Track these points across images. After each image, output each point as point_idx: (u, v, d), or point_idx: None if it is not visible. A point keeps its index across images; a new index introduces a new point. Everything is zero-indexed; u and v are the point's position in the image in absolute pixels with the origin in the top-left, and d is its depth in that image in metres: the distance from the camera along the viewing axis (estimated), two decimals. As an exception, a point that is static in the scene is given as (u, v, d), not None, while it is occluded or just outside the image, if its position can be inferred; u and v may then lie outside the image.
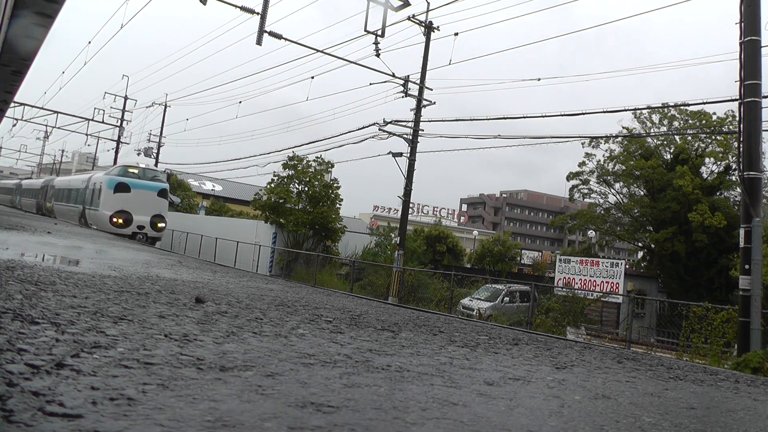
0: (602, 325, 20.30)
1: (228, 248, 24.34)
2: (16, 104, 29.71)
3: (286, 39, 15.55)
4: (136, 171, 22.88)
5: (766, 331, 9.68)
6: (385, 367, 2.65)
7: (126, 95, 37.38)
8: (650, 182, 30.18)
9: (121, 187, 21.72)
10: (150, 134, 41.81)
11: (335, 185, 26.89)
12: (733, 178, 27.64)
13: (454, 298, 20.00)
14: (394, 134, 20.22)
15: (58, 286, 3.89)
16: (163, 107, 36.51)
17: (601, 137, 29.05)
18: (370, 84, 19.47)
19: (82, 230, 18.00)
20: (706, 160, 30.04)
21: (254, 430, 1.50)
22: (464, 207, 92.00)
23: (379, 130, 20.21)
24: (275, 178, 26.39)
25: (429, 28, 19.38)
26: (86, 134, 36.18)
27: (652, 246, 29.94)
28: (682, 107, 27.65)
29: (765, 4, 9.02)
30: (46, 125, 37.13)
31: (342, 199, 26.96)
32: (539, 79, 22.53)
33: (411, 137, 19.78)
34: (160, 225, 22.64)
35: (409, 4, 15.12)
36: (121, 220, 21.38)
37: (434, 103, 20.20)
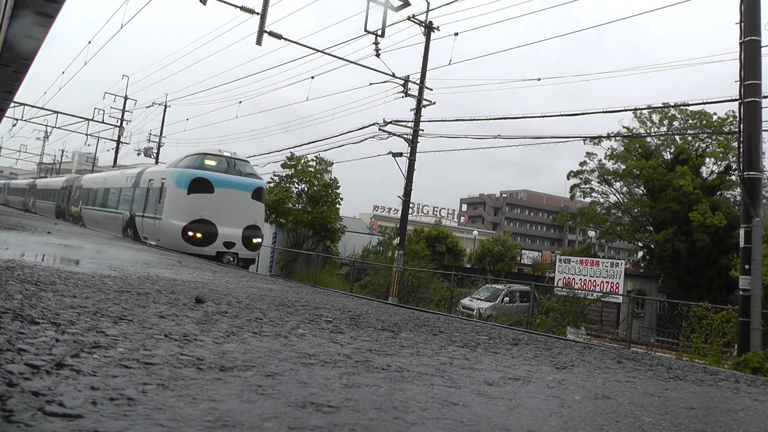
0: (602, 325, 20.29)
1: None
2: (16, 104, 29.67)
3: (286, 39, 15.55)
4: (217, 161, 16.08)
5: (766, 331, 9.68)
6: (385, 367, 2.65)
7: (126, 95, 37.41)
8: (650, 182, 30.19)
9: (199, 186, 15.11)
10: (150, 134, 41.85)
11: (335, 185, 26.89)
12: (733, 178, 27.64)
13: (454, 298, 20.01)
14: (394, 134, 20.23)
15: (58, 286, 3.89)
16: (163, 107, 36.51)
17: (602, 136, 29.05)
18: (370, 84, 19.48)
19: (83, 230, 17.96)
20: (707, 160, 30.05)
21: (254, 430, 1.49)
22: (464, 207, 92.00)
23: (379, 130, 20.22)
24: (275, 178, 26.41)
25: (429, 28, 19.38)
26: (86, 134, 36.19)
27: (652, 246, 29.94)
28: (682, 107, 27.66)
29: (765, 4, 9.03)
30: (46, 125, 37.17)
31: (342, 199, 26.98)
32: (539, 79, 22.55)
33: (411, 137, 19.79)
34: (255, 241, 15.96)
35: (409, 4, 15.13)
36: (199, 235, 14.81)
37: (434, 103, 20.22)
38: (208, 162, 15.92)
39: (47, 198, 32.82)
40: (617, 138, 30.27)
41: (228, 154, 16.50)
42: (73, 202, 26.66)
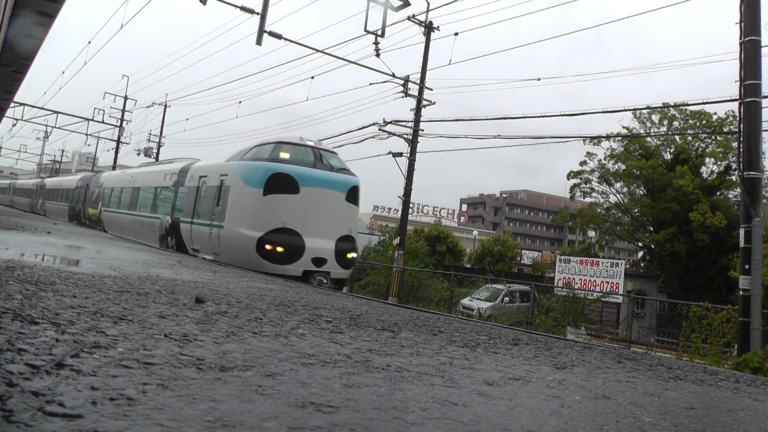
0: (602, 325, 20.29)
1: None
2: (16, 104, 29.61)
3: (286, 39, 15.55)
4: (299, 152, 12.37)
5: (766, 331, 9.68)
6: (385, 367, 2.65)
7: (126, 95, 37.40)
8: (650, 182, 30.20)
9: (279, 184, 11.56)
10: (150, 134, 41.84)
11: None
12: (733, 178, 27.65)
13: (454, 298, 20.01)
14: (394, 134, 20.22)
15: (58, 286, 3.89)
16: (163, 107, 36.52)
17: (602, 136, 29.08)
18: (370, 84, 19.47)
19: (83, 230, 17.92)
20: (706, 160, 30.07)
21: (254, 430, 1.49)
22: (464, 207, 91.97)
23: (379, 130, 20.21)
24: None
25: (429, 28, 19.38)
26: (86, 134, 36.17)
27: (652, 246, 29.95)
28: (682, 107, 27.66)
29: (765, 4, 9.02)
30: (46, 125, 37.14)
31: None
32: (539, 79, 22.56)
33: (411, 137, 19.79)
34: (350, 256, 12.51)
35: (409, 4, 15.13)
36: (280, 249, 11.31)
37: (434, 103, 20.22)
38: (286, 153, 12.15)
39: (58, 199, 29.94)
40: (617, 138, 30.30)
41: (312, 143, 12.74)
42: (90, 203, 23.59)
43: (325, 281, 11.58)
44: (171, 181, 15.81)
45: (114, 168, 33.80)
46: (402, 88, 19.44)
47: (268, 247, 11.27)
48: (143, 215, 17.44)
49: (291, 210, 11.51)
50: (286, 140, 12.60)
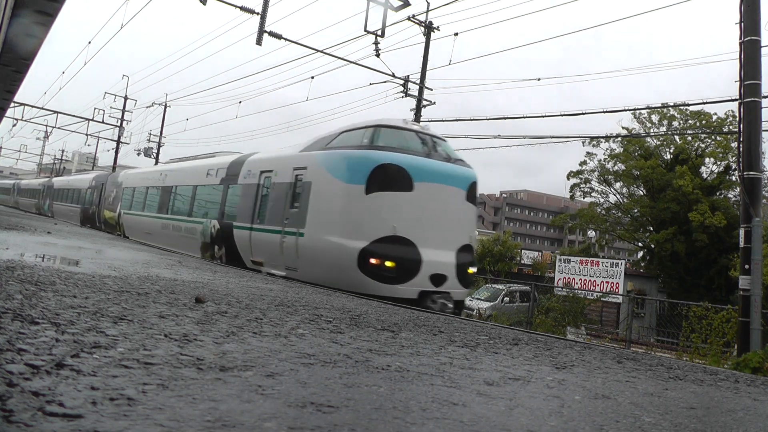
0: (602, 325, 20.30)
1: None
2: (16, 104, 29.59)
3: (286, 39, 15.55)
4: (406, 139, 9.81)
5: (766, 331, 9.69)
6: (385, 367, 2.65)
7: (126, 95, 37.37)
8: (650, 182, 30.22)
9: (387, 178, 9.06)
10: (150, 134, 41.81)
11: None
12: (733, 178, 27.66)
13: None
14: (394, 134, 20.18)
15: (58, 286, 3.89)
16: (163, 107, 36.51)
17: (601, 137, 29.10)
18: (370, 84, 19.47)
19: (82, 230, 17.91)
20: (706, 160, 30.09)
21: (254, 430, 1.50)
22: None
23: (379, 129, 20.19)
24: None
25: (429, 28, 19.38)
26: (86, 134, 36.17)
27: (652, 246, 29.96)
28: (681, 107, 27.68)
29: (765, 4, 9.02)
30: (46, 125, 37.12)
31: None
32: (539, 79, 22.54)
33: (411, 137, 19.76)
34: (471, 271, 10.12)
35: (409, 4, 15.13)
36: (389, 264, 8.83)
37: (434, 103, 20.20)
38: (388, 138, 9.55)
39: (69, 200, 27.48)
40: (617, 139, 30.32)
41: (417, 127, 10.32)
42: (106, 205, 21.35)
43: (449, 304, 9.03)
44: (217, 177, 13.37)
45: (114, 168, 33.76)
46: (402, 88, 19.44)
47: (373, 261, 8.69)
48: (178, 219, 14.87)
49: (402, 212, 8.97)
50: (386, 123, 10.00)
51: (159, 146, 36.82)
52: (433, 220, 9.24)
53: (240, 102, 31.44)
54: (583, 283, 23.24)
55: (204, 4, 13.85)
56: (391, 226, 8.81)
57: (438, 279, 9.10)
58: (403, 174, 9.04)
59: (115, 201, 20.50)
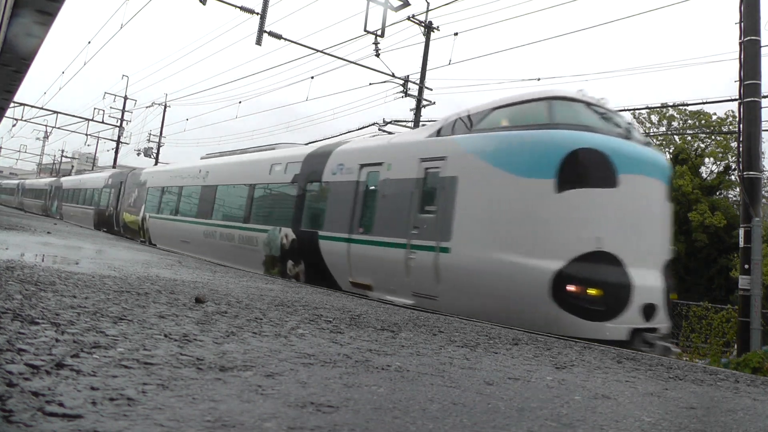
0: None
1: None
2: (16, 104, 29.58)
3: (286, 39, 15.55)
4: (592, 115, 7.37)
5: (766, 331, 9.69)
6: (385, 367, 2.65)
7: (126, 95, 37.40)
8: (650, 182, 30.22)
9: (583, 169, 6.70)
10: (150, 134, 41.80)
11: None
12: (733, 178, 27.67)
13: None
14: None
15: (57, 286, 3.89)
16: (163, 107, 36.51)
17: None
18: (370, 84, 19.48)
19: (82, 230, 17.90)
20: (706, 160, 30.09)
21: (254, 430, 1.49)
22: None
23: (379, 129, 20.20)
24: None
25: (429, 28, 19.38)
26: (86, 134, 36.18)
27: (652, 246, 29.95)
28: (681, 107, 27.68)
29: (765, 4, 9.03)
30: (46, 125, 37.14)
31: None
32: (539, 79, 22.49)
33: (411, 137, 19.77)
34: (674, 297, 8.96)
35: (408, 4, 15.14)
36: (594, 291, 6.28)
37: (434, 103, 20.23)
38: (567, 114, 7.21)
39: (79, 201, 25.26)
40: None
41: (596, 101, 7.79)
42: (126, 207, 19.05)
43: (671, 347, 7.54)
44: (288, 174, 10.84)
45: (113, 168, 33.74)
46: (402, 88, 19.45)
47: (572, 288, 6.33)
48: (230, 226, 12.28)
49: (606, 218, 6.72)
50: (562, 94, 7.65)
51: (159, 146, 36.83)
52: (637, 228, 7.00)
53: (240, 102, 31.46)
54: (583, 283, 23.17)
55: (204, 4, 13.86)
56: (594, 238, 6.51)
57: (649, 311, 6.82)
58: (605, 163, 6.67)
59: (137, 202, 18.11)
